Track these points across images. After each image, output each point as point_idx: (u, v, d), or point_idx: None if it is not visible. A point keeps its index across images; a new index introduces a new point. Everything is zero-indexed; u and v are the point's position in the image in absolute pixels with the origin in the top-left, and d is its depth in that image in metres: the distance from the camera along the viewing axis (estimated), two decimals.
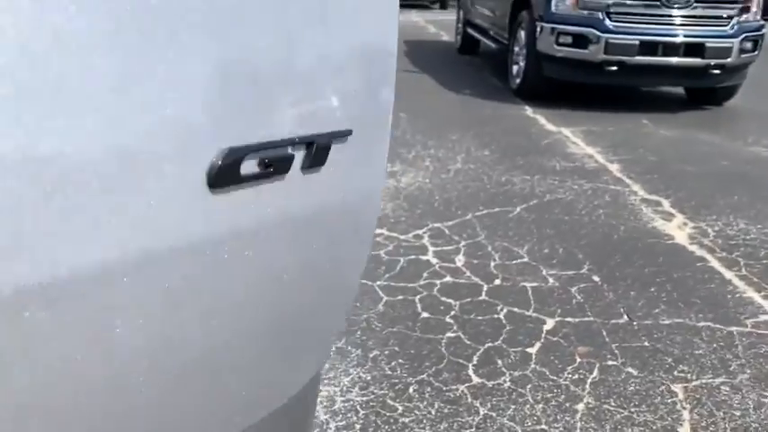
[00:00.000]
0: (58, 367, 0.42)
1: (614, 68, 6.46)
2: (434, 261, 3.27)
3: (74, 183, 0.38)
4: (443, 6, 20.11)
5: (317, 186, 0.53)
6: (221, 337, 0.50)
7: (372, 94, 0.60)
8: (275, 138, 0.47)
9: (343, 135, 0.54)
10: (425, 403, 2.19)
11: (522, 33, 7.10)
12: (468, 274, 3.15)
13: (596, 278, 3.14)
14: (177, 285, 0.44)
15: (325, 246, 0.59)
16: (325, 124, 0.52)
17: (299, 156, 0.50)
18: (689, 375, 2.40)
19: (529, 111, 6.73)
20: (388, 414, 2.13)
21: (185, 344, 0.48)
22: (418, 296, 2.91)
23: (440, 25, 14.76)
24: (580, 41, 6.43)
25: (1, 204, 0.37)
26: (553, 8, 6.59)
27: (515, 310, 2.82)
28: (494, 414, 2.15)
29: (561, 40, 6.52)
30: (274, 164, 0.47)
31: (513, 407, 2.19)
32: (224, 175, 0.43)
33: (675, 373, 2.42)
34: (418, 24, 15.44)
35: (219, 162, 0.43)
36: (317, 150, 0.52)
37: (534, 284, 3.06)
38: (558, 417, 2.15)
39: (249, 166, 0.46)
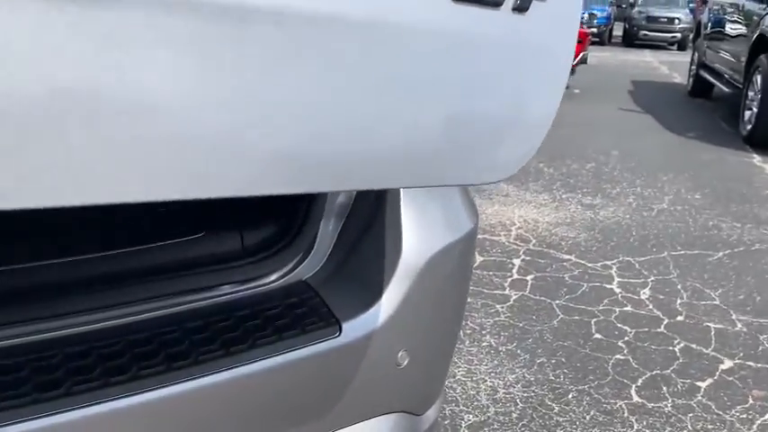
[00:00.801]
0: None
1: None
2: (618, 290, 3.35)
3: None
4: (681, 48, 19.09)
5: (519, 25, 0.79)
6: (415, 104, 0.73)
7: None
8: None
9: None
10: (582, 409, 2.35)
11: (759, 78, 6.69)
12: (650, 306, 3.19)
13: None
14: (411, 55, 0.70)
15: (522, 70, 0.82)
16: None
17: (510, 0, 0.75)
18: None
19: (756, 159, 6.31)
20: (544, 411, 2.33)
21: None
22: (594, 319, 3.03)
23: (673, 66, 14.12)
24: None
25: None
26: None
27: (693, 346, 2.83)
28: (647, 431, 2.24)
29: None
30: None
31: (668, 429, 2.26)
32: None
33: None
34: (651, 65, 14.91)
35: None
36: (522, 1, 0.75)
37: (720, 326, 3.01)
38: None
39: None
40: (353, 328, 0.97)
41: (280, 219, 1.09)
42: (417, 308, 1.06)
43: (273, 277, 1.04)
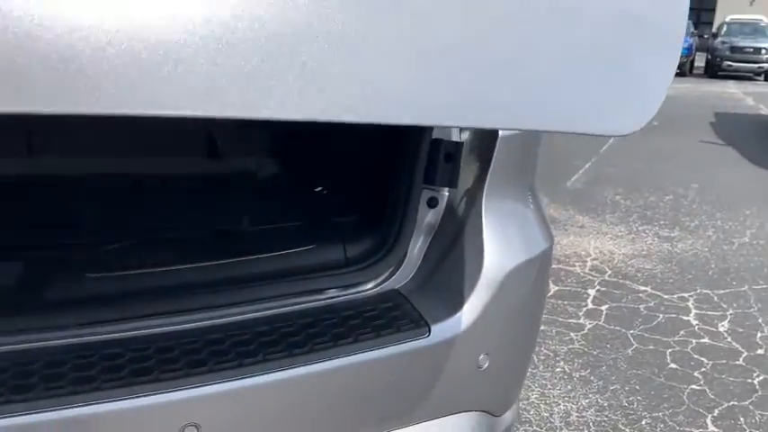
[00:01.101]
0: None
1: None
2: (695, 322, 3.34)
3: None
4: None
5: None
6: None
7: None
8: None
9: None
10: None
11: None
12: (729, 339, 3.17)
13: None
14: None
15: (643, 29, 0.92)
16: None
17: None
18: None
19: None
20: None
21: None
22: (670, 349, 3.04)
23: (760, 98, 13.68)
24: None
25: None
26: None
27: None
28: None
29: None
30: None
31: None
32: None
33: None
34: (734, 96, 14.49)
35: None
36: None
37: None
38: None
39: None
40: (441, 331, 1.12)
41: (376, 235, 1.26)
42: (497, 317, 1.19)
43: (370, 285, 1.21)
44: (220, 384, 0.94)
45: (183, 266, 1.12)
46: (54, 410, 0.86)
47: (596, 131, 0.94)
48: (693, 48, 20.10)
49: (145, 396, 0.90)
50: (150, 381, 0.91)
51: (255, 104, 0.66)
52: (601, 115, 0.92)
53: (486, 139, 1.24)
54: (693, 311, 3.47)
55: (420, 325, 1.11)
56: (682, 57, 18.78)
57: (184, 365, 0.95)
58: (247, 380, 0.96)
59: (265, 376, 0.97)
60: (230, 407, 0.97)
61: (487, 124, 0.95)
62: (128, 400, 0.89)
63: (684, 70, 18.87)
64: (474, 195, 1.23)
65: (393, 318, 1.12)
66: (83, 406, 0.87)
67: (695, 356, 2.98)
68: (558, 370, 2.84)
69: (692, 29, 20.88)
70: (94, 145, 1.50)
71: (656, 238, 4.67)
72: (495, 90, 0.82)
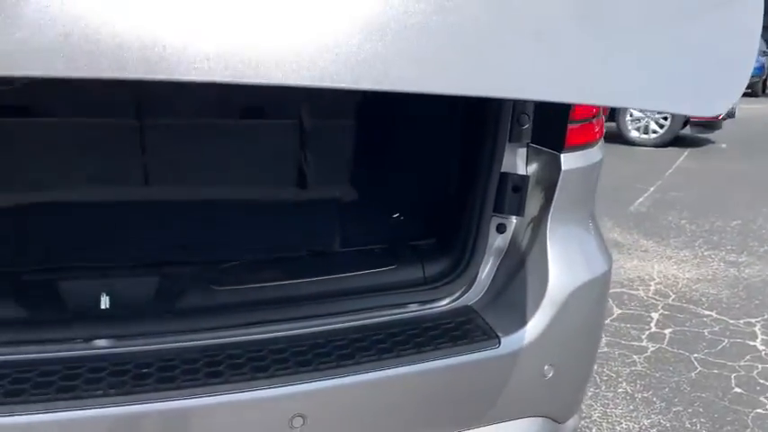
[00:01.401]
0: None
1: None
2: (761, 348, 3.34)
3: None
4: None
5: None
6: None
7: None
8: None
9: None
10: None
11: None
12: None
13: None
14: None
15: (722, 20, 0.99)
16: None
17: None
18: None
19: None
20: None
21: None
22: (734, 374, 3.06)
23: None
24: None
25: None
26: None
27: None
28: None
29: None
30: None
31: None
32: None
33: None
34: None
35: None
36: None
37: None
38: None
39: None
40: (510, 342, 1.27)
41: (451, 257, 1.43)
42: (561, 331, 1.33)
43: (446, 301, 1.37)
44: (324, 381, 1.12)
45: (288, 282, 1.32)
46: (192, 399, 1.06)
47: (686, 111, 1.06)
48: (765, 67, 19.49)
49: (263, 389, 1.09)
50: (267, 376, 1.10)
51: (404, 79, 0.80)
52: (690, 97, 1.00)
53: (550, 172, 1.39)
54: (760, 337, 3.46)
55: (491, 337, 1.27)
56: (753, 77, 18.18)
57: (294, 364, 1.13)
58: (345, 378, 1.14)
59: (360, 376, 1.14)
60: (331, 401, 1.14)
61: (603, 102, 1.07)
62: (249, 393, 1.08)
63: (756, 90, 18.32)
64: (539, 222, 1.39)
65: (467, 330, 1.28)
66: (214, 396, 1.07)
67: (761, 381, 2.99)
68: (620, 390, 2.90)
69: (764, 47, 20.28)
70: (213, 176, 1.73)
71: (722, 263, 4.64)
72: (615, 74, 0.93)
